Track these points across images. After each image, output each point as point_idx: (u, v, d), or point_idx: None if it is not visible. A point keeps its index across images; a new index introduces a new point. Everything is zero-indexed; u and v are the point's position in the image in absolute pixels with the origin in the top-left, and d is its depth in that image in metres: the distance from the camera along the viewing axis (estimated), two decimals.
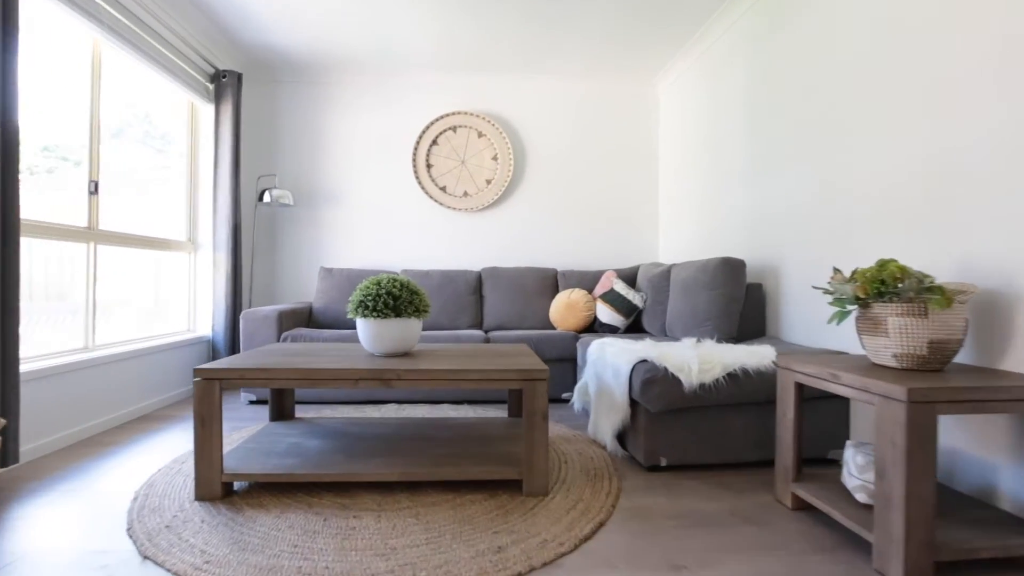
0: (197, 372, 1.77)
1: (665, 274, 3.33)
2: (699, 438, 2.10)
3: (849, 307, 1.64)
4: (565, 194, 4.29)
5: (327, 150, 4.18)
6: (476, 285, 3.90)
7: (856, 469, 1.58)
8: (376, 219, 4.19)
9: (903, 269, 1.52)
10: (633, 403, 2.17)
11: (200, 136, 3.71)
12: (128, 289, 3.07)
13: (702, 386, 2.02)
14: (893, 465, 1.34)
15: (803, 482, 1.76)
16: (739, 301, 2.69)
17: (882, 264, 1.58)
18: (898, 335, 1.52)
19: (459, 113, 4.18)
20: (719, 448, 2.11)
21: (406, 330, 2.05)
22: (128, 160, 3.05)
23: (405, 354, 2.15)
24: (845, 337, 2.25)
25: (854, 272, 1.66)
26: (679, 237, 3.98)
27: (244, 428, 2.64)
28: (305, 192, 4.16)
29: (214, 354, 3.61)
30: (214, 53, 3.63)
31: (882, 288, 1.54)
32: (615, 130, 4.32)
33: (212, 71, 3.65)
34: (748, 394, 2.07)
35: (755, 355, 2.14)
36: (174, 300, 3.55)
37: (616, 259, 4.33)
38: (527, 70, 4.12)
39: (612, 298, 3.56)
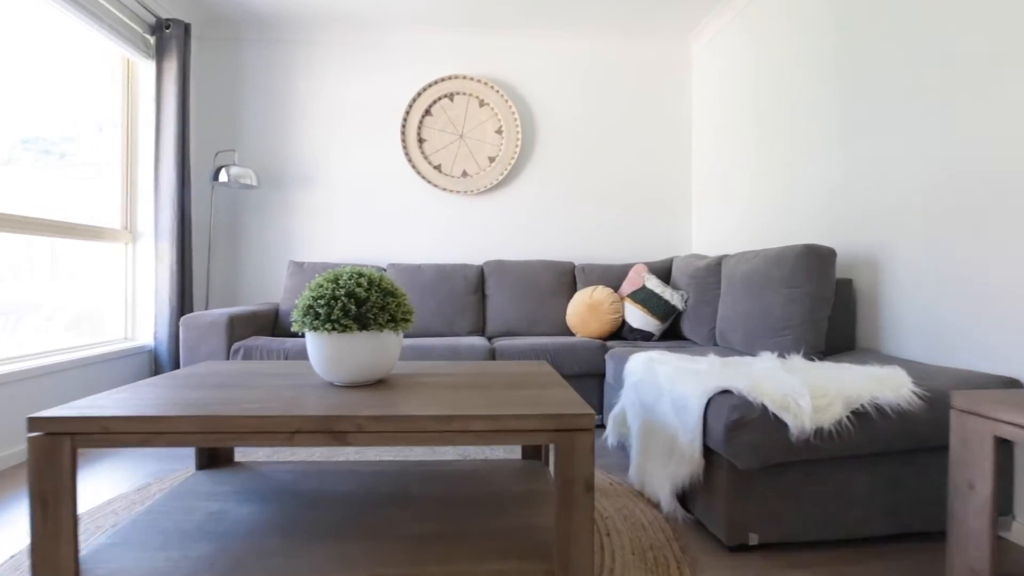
0: (33, 423, 1.10)
1: (713, 268, 2.66)
2: (805, 504, 1.44)
3: None
4: (582, 174, 3.62)
5: (299, 121, 3.50)
6: (477, 282, 3.23)
7: None
8: (358, 203, 3.52)
9: None
10: (707, 449, 1.51)
11: (139, 100, 3.03)
12: (43, 290, 2.41)
13: (818, 432, 1.37)
14: None
15: None
16: (828, 303, 2.03)
17: None
18: None
19: (457, 78, 3.51)
20: (834, 519, 1.46)
21: (377, 349, 1.38)
22: (39, 125, 2.38)
23: (379, 382, 1.49)
24: (1003, 355, 1.59)
25: None
26: (720, 223, 3.32)
27: (169, 476, 1.97)
28: (272, 171, 3.48)
29: (157, 367, 2.95)
30: None
31: None
32: (641, 99, 3.65)
33: (153, 20, 2.97)
34: (879, 442, 1.42)
35: (884, 383, 1.48)
36: (108, 302, 2.89)
37: (644, 250, 3.66)
38: (538, 27, 3.44)
39: (644, 297, 2.90)
